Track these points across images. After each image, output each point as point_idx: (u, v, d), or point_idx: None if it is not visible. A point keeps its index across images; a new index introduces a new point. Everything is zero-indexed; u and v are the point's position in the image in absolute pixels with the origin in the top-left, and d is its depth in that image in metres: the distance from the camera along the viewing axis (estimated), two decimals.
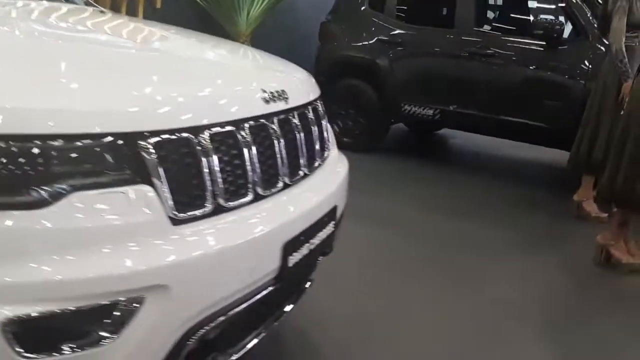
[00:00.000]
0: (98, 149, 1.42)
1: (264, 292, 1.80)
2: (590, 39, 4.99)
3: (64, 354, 1.36)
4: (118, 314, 1.40)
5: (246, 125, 1.78)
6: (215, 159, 1.64)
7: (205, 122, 1.64)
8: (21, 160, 1.31)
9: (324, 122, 2.42)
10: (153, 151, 1.49)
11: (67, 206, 1.36)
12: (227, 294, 1.63)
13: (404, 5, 6.39)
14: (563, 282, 3.56)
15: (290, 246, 1.85)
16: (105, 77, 1.60)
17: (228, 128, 1.71)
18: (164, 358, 1.52)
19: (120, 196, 1.43)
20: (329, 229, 2.14)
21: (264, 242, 1.74)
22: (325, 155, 2.37)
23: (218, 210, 1.64)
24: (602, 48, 4.81)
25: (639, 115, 3.49)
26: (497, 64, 5.47)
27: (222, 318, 1.65)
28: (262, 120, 1.87)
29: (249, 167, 1.76)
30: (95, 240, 1.38)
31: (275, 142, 1.91)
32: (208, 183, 1.61)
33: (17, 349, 1.31)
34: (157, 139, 1.51)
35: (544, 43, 5.19)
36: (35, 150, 1.33)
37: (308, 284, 2.38)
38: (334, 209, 2.18)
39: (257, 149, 1.80)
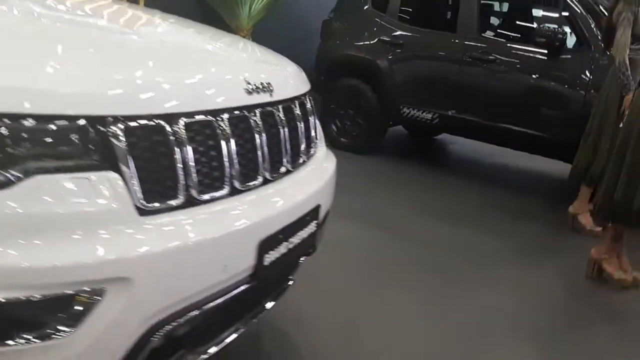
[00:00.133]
0: (64, 132, 1.35)
1: (237, 291, 1.74)
2: (593, 50, 4.92)
3: (17, 344, 1.30)
4: (76, 306, 1.33)
5: (225, 115, 1.71)
6: (189, 149, 1.57)
7: (180, 110, 1.57)
8: None
9: (312, 118, 2.34)
10: (123, 137, 1.43)
11: (29, 189, 1.29)
12: (195, 290, 1.57)
13: (407, 7, 6.33)
14: (553, 295, 3.49)
15: (267, 244, 1.78)
16: (79, 59, 1.53)
17: (205, 118, 1.64)
18: (124, 354, 1.45)
19: (85, 182, 1.36)
20: (310, 228, 2.07)
21: (238, 238, 1.67)
22: (312, 152, 2.30)
23: (190, 202, 1.57)
24: (605, 59, 4.74)
25: (638, 128, 3.42)
26: (498, 71, 5.40)
27: (190, 315, 1.59)
28: (243, 112, 1.80)
29: (226, 160, 1.69)
30: (56, 226, 1.31)
31: (257, 135, 1.84)
32: (181, 173, 1.55)
33: None
34: (127, 124, 1.44)
35: (546, 51, 5.12)
36: (2, 130, 1.26)
37: (288, 284, 2.31)
38: (317, 208, 2.11)
39: (236, 141, 1.73)
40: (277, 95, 2.00)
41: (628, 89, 4.13)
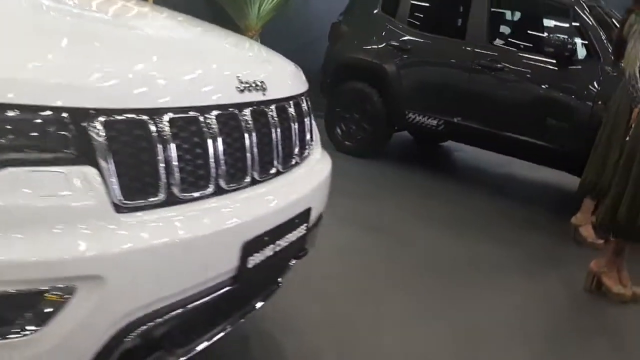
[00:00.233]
0: (41, 123, 1.31)
1: (219, 293, 1.69)
2: (602, 61, 4.85)
3: None
4: (44, 303, 1.28)
5: (214, 113, 1.67)
6: (173, 145, 1.52)
7: (165, 105, 1.53)
8: None
9: (308, 120, 2.29)
10: (102, 131, 1.38)
11: (2, 181, 1.25)
12: (173, 291, 1.52)
13: (417, 12, 6.28)
14: (550, 306, 3.43)
15: (252, 246, 1.73)
16: (61, 49, 1.50)
17: (191, 114, 1.60)
18: (94, 354, 1.40)
19: (59, 176, 1.31)
20: (299, 231, 2.02)
21: (221, 239, 1.63)
22: (306, 154, 2.25)
23: (172, 200, 1.53)
24: (614, 71, 4.67)
25: None
26: (505, 79, 5.34)
27: (167, 316, 1.54)
28: (233, 110, 1.75)
29: (211, 158, 1.64)
30: (26, 221, 1.27)
31: (246, 134, 1.79)
32: (162, 171, 1.50)
33: None
34: (108, 118, 1.40)
35: (555, 61, 5.05)
36: None
37: (276, 286, 2.25)
38: (308, 211, 2.06)
39: (223, 140, 1.69)
40: (271, 95, 1.95)
41: (638, 101, 4.06)
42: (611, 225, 3.49)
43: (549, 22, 5.78)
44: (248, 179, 1.80)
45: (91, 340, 1.38)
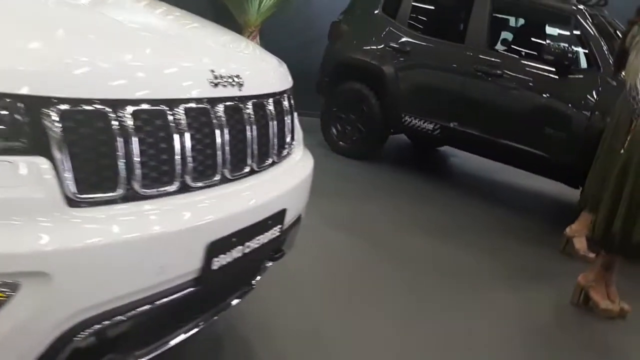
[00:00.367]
0: None
1: (180, 295, 1.62)
2: (601, 71, 4.78)
3: None
4: None
5: (182, 107, 1.60)
6: (135, 139, 1.46)
7: (128, 96, 1.46)
8: None
9: (289, 118, 2.22)
10: (58, 121, 1.32)
11: None
12: (127, 291, 1.45)
13: (418, 14, 6.21)
14: (534, 320, 3.33)
15: (217, 247, 1.67)
16: (20, 34, 1.42)
17: (158, 107, 1.53)
18: (39, 355, 1.33)
19: (7, 165, 1.25)
20: (272, 233, 1.96)
21: (181, 239, 1.56)
22: (285, 153, 2.18)
23: (131, 196, 1.46)
24: (612, 81, 4.60)
25: (638, 156, 3.28)
26: (503, 86, 5.25)
27: (121, 317, 1.47)
28: (204, 105, 1.69)
29: (177, 154, 1.57)
30: None
31: (217, 130, 1.72)
32: (122, 165, 1.43)
33: None
34: (65, 107, 1.33)
35: (554, 70, 4.98)
36: None
37: (249, 289, 2.19)
38: (282, 212, 2.00)
39: (192, 135, 1.62)
40: (248, 90, 1.89)
41: (638, 113, 3.99)
42: (605, 239, 3.40)
43: (550, 30, 5.71)
44: (218, 177, 1.73)
45: (35, 339, 1.31)
